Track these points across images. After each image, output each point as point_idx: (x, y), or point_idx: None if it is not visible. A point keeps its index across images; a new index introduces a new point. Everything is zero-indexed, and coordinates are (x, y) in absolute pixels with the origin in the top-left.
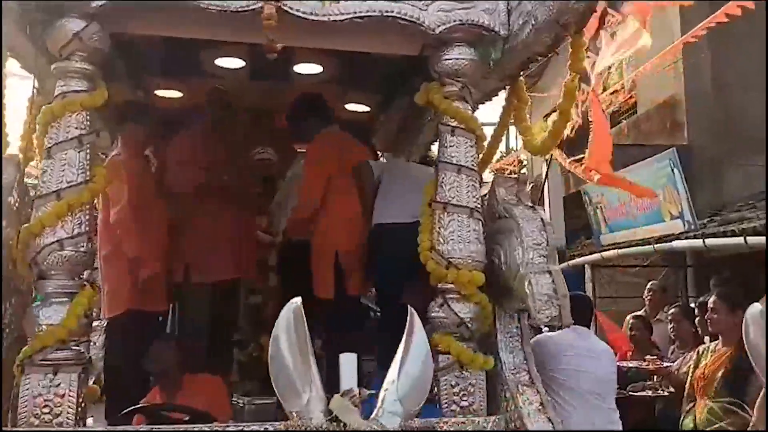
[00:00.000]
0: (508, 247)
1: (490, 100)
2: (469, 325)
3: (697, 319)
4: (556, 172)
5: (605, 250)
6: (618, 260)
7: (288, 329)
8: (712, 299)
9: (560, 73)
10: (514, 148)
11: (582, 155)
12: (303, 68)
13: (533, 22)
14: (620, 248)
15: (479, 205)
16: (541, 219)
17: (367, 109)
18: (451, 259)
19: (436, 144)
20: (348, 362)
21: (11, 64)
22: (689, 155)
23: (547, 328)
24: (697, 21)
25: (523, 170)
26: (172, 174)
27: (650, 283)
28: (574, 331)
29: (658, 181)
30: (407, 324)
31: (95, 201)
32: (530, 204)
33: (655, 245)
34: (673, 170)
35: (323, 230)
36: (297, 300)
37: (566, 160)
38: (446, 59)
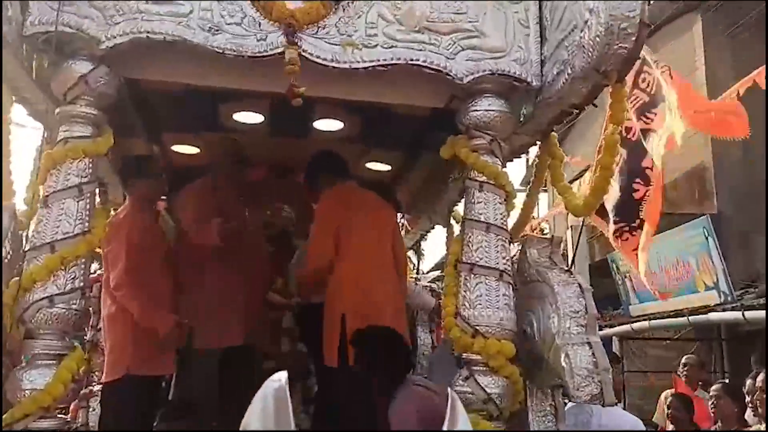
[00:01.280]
0: (541, 315)
1: (519, 156)
2: (498, 401)
3: (747, 398)
4: (582, 237)
5: (635, 321)
6: (647, 332)
7: (264, 417)
8: (761, 377)
9: (583, 136)
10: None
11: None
12: (323, 124)
13: (569, 71)
14: (651, 319)
15: (509, 268)
16: (579, 284)
17: (389, 167)
18: (477, 327)
19: (461, 203)
20: None
21: (19, 112)
22: (719, 224)
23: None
24: (724, 86)
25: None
26: (185, 232)
27: (685, 357)
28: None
29: (689, 250)
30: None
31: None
32: (565, 267)
33: (690, 317)
34: (707, 238)
35: (330, 291)
36: (281, 377)
37: (604, 224)
38: (474, 111)
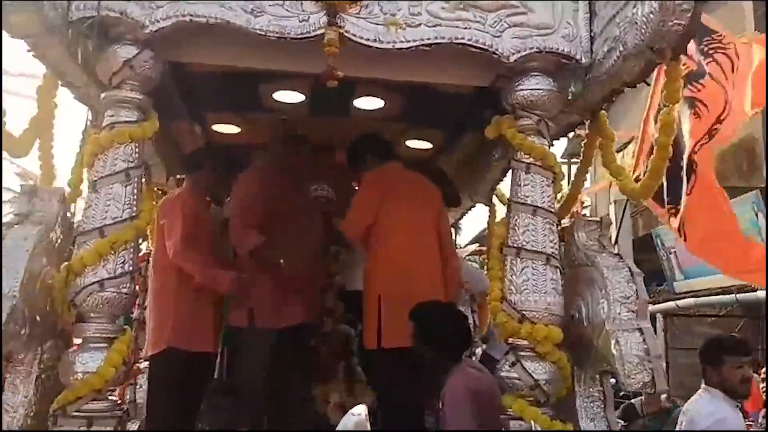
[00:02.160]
0: (590, 300)
1: (566, 135)
2: (545, 387)
3: None
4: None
5: (680, 298)
6: (692, 309)
7: None
8: None
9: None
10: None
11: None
12: (363, 102)
13: (621, 49)
14: (698, 296)
15: (557, 251)
16: (629, 268)
17: (430, 146)
18: (524, 312)
19: (504, 182)
20: None
21: (65, 95)
22: (764, 199)
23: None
24: None
25: (585, 211)
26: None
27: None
28: None
29: (741, 225)
30: None
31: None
32: (615, 251)
33: (737, 295)
34: (756, 214)
35: (368, 272)
36: (360, 411)
37: (652, 203)
38: (521, 90)
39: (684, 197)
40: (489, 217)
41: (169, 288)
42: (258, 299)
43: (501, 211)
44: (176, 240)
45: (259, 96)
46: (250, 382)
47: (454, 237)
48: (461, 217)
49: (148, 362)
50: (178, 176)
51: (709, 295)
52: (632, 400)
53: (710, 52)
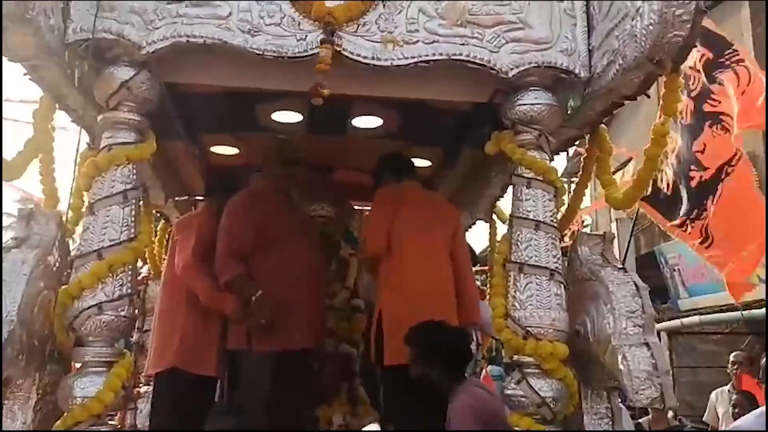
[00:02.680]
0: (595, 315)
1: (566, 150)
2: (552, 405)
3: None
4: (625, 230)
5: (686, 316)
6: (696, 327)
7: None
8: None
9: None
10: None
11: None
12: (361, 121)
13: (621, 62)
14: (702, 314)
15: (560, 266)
16: (635, 283)
17: (429, 163)
18: (529, 328)
19: (503, 199)
20: None
21: (62, 118)
22: None
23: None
24: None
25: (585, 229)
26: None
27: (733, 354)
28: None
29: None
30: None
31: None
32: (619, 265)
33: (744, 311)
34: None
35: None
36: None
37: (660, 218)
38: (520, 105)
39: (710, 207)
40: (490, 234)
41: (178, 308)
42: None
43: (501, 228)
44: (187, 255)
45: (257, 116)
46: (251, 405)
47: None
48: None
49: (150, 381)
50: (184, 198)
51: (713, 313)
52: (640, 420)
53: (730, 63)
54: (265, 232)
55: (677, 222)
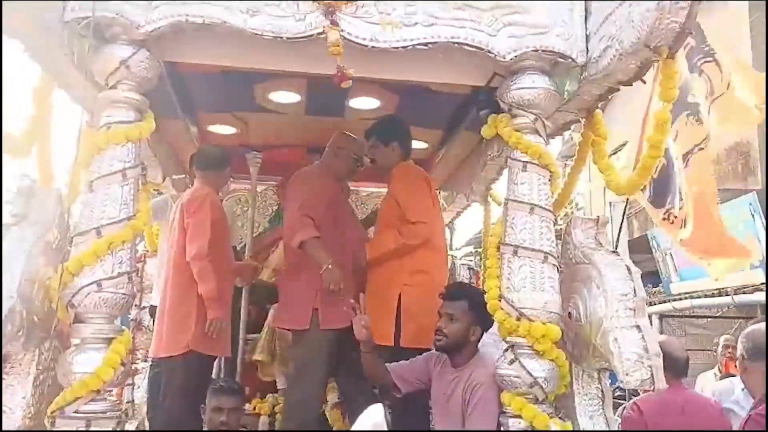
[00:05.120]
0: (587, 298)
1: (561, 134)
2: (544, 385)
3: None
4: (619, 214)
5: (677, 300)
6: (688, 310)
7: None
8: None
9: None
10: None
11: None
12: (359, 103)
13: (617, 47)
14: (694, 298)
15: (554, 249)
16: (627, 266)
17: (425, 145)
18: (522, 310)
19: (499, 181)
20: None
21: (62, 96)
22: (763, 200)
23: None
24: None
25: (579, 213)
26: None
27: (723, 338)
28: None
29: (737, 227)
30: None
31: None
32: (612, 249)
33: (735, 296)
34: (753, 216)
35: (389, 268)
36: (377, 411)
37: (650, 205)
38: (517, 88)
39: (680, 201)
40: (485, 216)
41: (191, 290)
42: (321, 299)
43: (496, 211)
44: (203, 244)
45: (255, 96)
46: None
47: (448, 237)
48: (456, 217)
49: (147, 359)
50: (175, 176)
51: (705, 297)
52: (625, 405)
53: (712, 52)
54: (331, 210)
55: (664, 213)
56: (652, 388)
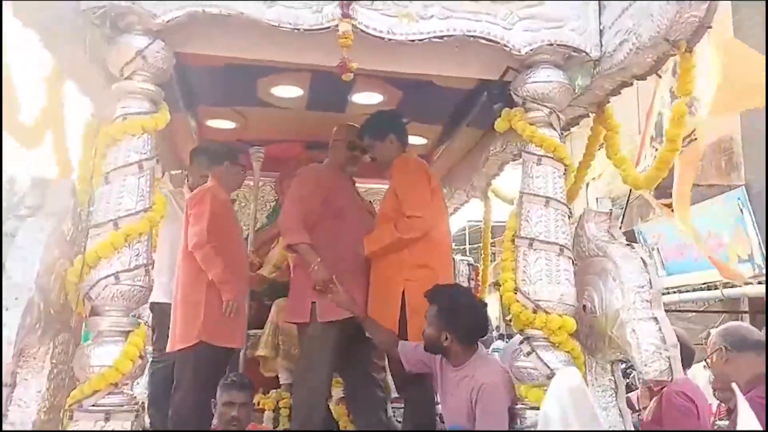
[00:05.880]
0: (603, 290)
1: (570, 129)
2: None
3: None
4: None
5: (665, 294)
6: (675, 305)
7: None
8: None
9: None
10: None
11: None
12: (361, 98)
13: (634, 41)
14: (682, 292)
15: (569, 242)
16: (642, 258)
17: (425, 141)
18: (538, 302)
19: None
20: None
21: (70, 88)
22: (749, 196)
23: None
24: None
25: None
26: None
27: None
28: None
29: (726, 221)
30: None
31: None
32: (626, 241)
33: (724, 290)
34: (741, 210)
35: (394, 263)
36: (574, 374)
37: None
38: (532, 82)
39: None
40: (485, 212)
41: (200, 282)
42: (318, 292)
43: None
44: (201, 230)
45: (257, 90)
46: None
47: None
48: (454, 213)
49: (158, 358)
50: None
51: (693, 291)
52: (629, 394)
53: None
54: (331, 204)
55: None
56: (671, 378)
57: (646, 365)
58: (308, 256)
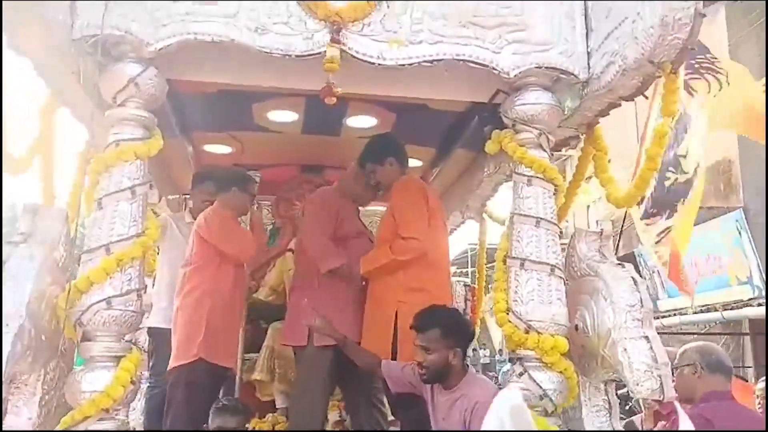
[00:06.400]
0: (595, 309)
1: (560, 150)
2: (553, 397)
3: None
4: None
5: (665, 317)
6: (676, 327)
7: None
8: None
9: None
10: None
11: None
12: (356, 121)
13: (620, 63)
14: (682, 314)
15: (560, 262)
16: (632, 278)
17: (420, 163)
18: (530, 322)
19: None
20: None
21: (64, 114)
22: (747, 218)
23: None
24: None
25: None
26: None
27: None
28: None
29: (722, 244)
30: None
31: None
32: (616, 261)
33: (723, 312)
34: (740, 232)
35: (387, 285)
36: (516, 394)
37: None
38: (522, 104)
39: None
40: (480, 233)
41: (203, 300)
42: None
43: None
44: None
45: (253, 116)
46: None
47: None
48: (450, 234)
49: (153, 383)
50: (170, 196)
51: (693, 313)
52: (632, 418)
53: (701, 70)
54: (338, 228)
55: (648, 220)
56: (662, 397)
57: (637, 384)
58: (351, 276)
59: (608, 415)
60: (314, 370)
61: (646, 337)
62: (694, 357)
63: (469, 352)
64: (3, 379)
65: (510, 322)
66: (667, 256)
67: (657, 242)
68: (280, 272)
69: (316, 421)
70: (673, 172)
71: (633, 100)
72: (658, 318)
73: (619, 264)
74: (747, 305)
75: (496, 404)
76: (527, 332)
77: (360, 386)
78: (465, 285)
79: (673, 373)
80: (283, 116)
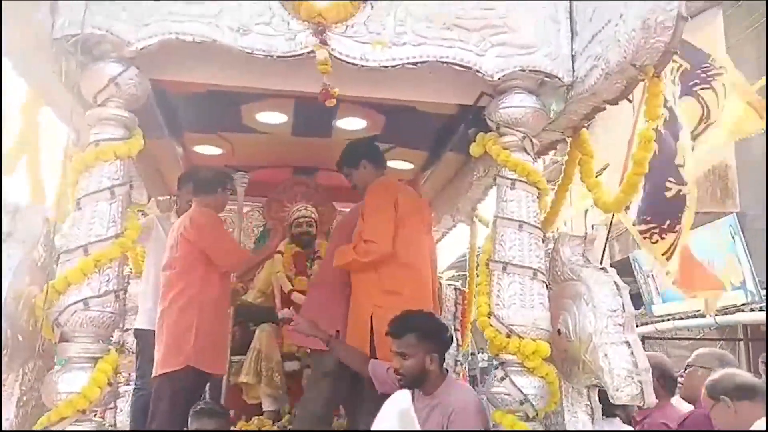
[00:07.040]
0: (576, 314)
1: (547, 153)
2: (535, 402)
3: None
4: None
5: (659, 322)
6: (669, 332)
7: None
8: None
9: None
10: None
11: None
12: (346, 123)
13: (604, 66)
14: (677, 320)
15: (543, 266)
16: (615, 282)
17: (411, 166)
18: (512, 327)
19: (485, 201)
20: None
21: (48, 113)
22: (742, 223)
23: None
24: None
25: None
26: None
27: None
28: None
29: (719, 248)
30: None
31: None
32: (600, 265)
33: (717, 317)
34: (733, 237)
35: (362, 288)
36: (403, 398)
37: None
38: (505, 107)
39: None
40: (471, 236)
41: (192, 306)
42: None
43: (482, 232)
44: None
45: (242, 117)
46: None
47: None
48: (441, 238)
49: (130, 382)
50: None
51: (687, 318)
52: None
53: (706, 77)
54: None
55: (642, 227)
56: (642, 403)
57: (618, 390)
58: None
59: (590, 419)
60: (329, 375)
61: (627, 343)
62: (712, 363)
63: (468, 357)
64: None
65: (491, 326)
66: (675, 272)
67: (667, 258)
68: (268, 274)
69: (321, 423)
70: (673, 182)
71: (617, 103)
72: (652, 323)
73: (602, 268)
74: (740, 310)
75: (385, 409)
76: (509, 336)
77: (361, 392)
78: (456, 289)
79: (664, 383)
80: (272, 118)
